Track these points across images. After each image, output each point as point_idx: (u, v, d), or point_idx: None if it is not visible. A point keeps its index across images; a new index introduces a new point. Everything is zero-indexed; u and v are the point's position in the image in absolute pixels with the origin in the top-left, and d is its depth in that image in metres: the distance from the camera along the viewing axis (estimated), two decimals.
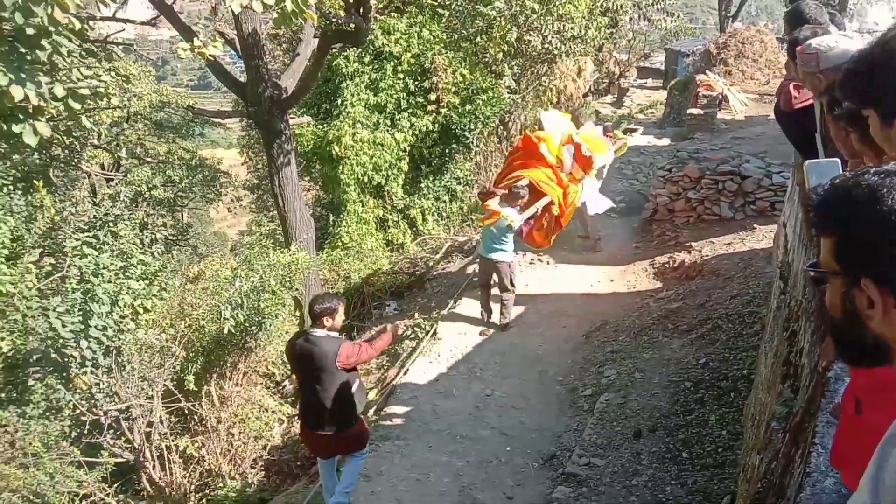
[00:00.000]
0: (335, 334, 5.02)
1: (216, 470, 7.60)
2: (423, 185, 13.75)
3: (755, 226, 9.04)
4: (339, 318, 5.02)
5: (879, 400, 1.73)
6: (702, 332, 6.84)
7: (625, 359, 7.04)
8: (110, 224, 7.27)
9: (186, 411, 7.81)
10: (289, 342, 5.36)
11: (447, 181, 13.96)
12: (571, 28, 12.61)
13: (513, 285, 8.07)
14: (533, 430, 6.54)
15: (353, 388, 5.04)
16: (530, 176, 8.27)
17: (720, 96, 15.78)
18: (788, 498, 2.44)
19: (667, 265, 9.10)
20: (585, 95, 23.48)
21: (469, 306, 9.03)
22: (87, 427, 6.68)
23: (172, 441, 7.47)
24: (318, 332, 4.94)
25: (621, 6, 14.23)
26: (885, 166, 1.10)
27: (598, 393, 6.66)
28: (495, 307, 8.34)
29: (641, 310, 8.14)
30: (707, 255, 8.75)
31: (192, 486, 7.51)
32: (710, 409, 5.66)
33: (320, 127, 12.65)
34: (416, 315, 9.47)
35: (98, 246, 6.73)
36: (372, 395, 7.67)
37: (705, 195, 9.67)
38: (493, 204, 7.82)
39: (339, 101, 12.75)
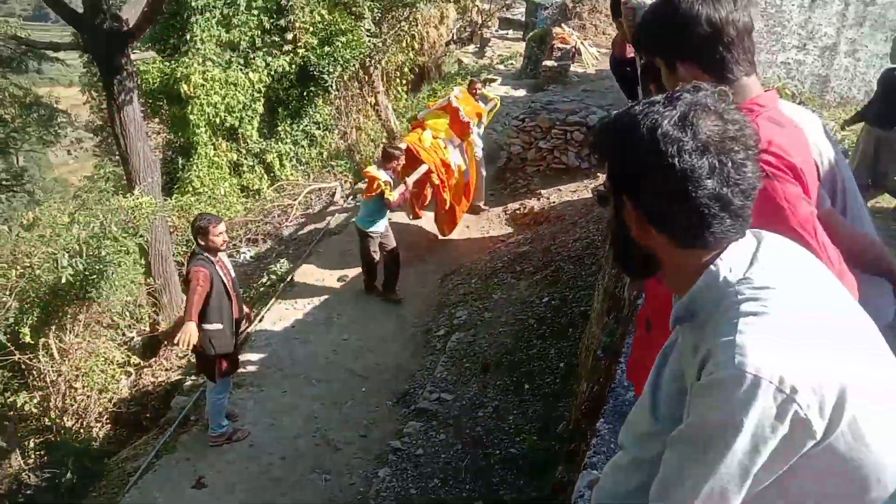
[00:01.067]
0: (207, 255, 5.18)
1: (59, 426, 7.24)
2: (280, 128, 13.34)
3: (599, 174, 9.59)
4: (214, 237, 5.18)
5: (666, 318, 1.97)
6: (546, 273, 7.26)
7: (476, 300, 7.36)
8: None
9: (23, 366, 7.33)
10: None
11: (306, 125, 13.63)
12: None
13: (391, 253, 7.67)
14: (388, 370, 6.73)
15: (204, 323, 5.19)
16: (408, 140, 8.17)
17: (573, 50, 16.33)
18: (601, 413, 2.72)
19: (518, 211, 9.51)
20: (448, 43, 23.52)
21: (327, 253, 9.02)
22: None
23: (8, 397, 7.01)
24: (197, 249, 5.24)
25: None
26: (651, 98, 1.24)
27: (450, 333, 6.94)
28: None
29: (493, 254, 8.50)
30: (554, 202, 9.23)
31: (32, 444, 7.12)
32: (550, 344, 6.07)
33: (167, 64, 11.88)
34: (276, 262, 9.33)
35: None
36: None
37: (555, 145, 10.11)
38: (371, 169, 7.50)
39: (188, 37, 11.99)
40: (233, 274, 5.53)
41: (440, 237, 9.02)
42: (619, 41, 4.31)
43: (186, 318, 5.07)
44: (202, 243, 5.17)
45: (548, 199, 9.38)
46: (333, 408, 6.19)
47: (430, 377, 6.33)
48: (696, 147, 1.16)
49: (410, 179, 7.65)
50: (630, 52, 4.33)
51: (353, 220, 8.19)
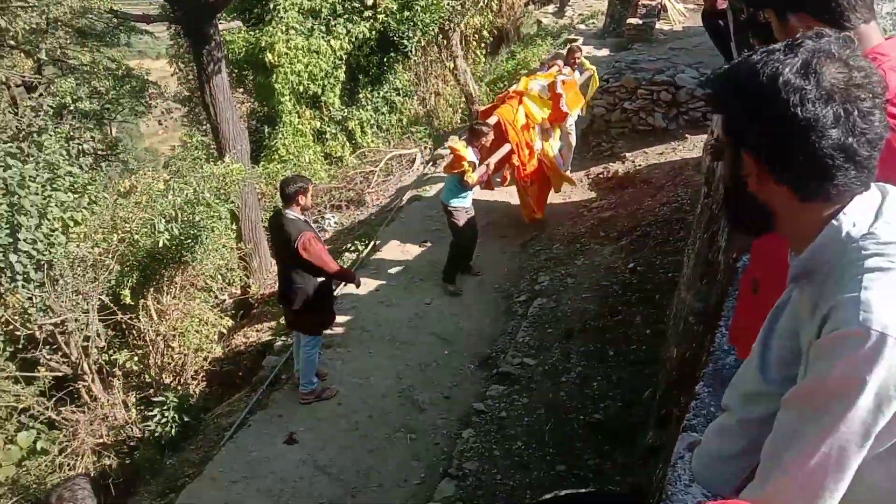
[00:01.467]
0: (302, 217, 5.41)
1: (158, 382, 7.67)
2: (360, 95, 13.47)
3: (687, 135, 9.26)
4: (310, 197, 5.46)
5: (775, 279, 1.89)
6: (631, 238, 7.11)
7: (558, 266, 7.29)
8: (34, 136, 6.97)
9: (124, 325, 7.77)
10: (270, 217, 6.10)
11: (386, 92, 13.71)
12: None
13: (471, 228, 7.34)
14: (470, 334, 6.78)
15: (310, 283, 5.45)
16: (500, 114, 7.72)
17: (659, 6, 15.70)
18: (697, 378, 2.66)
19: (601, 175, 9.31)
20: (527, 4, 23.07)
21: (409, 219, 9.10)
22: (22, 342, 6.60)
23: (111, 355, 7.45)
24: (290, 212, 5.34)
25: None
26: (770, 47, 1.18)
27: (532, 298, 6.91)
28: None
29: (575, 219, 8.37)
30: (640, 165, 8.98)
31: (133, 399, 7.57)
32: (636, 311, 5.97)
33: (252, 33, 12.15)
34: (356, 227, 9.51)
35: (22, 158, 6.46)
36: None
37: (640, 106, 9.79)
38: (459, 145, 7.23)
39: (272, 6, 12.21)
40: None
41: (529, 222, 8.42)
42: None
43: (338, 272, 5.63)
44: (301, 203, 5.34)
45: (633, 162, 9.14)
46: (418, 369, 6.31)
47: (512, 342, 6.34)
48: (820, 95, 1.11)
49: (492, 160, 7.41)
50: (721, 3, 4.13)
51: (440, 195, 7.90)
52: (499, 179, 8.75)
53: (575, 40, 17.41)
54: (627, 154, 9.41)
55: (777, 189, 1.19)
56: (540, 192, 8.24)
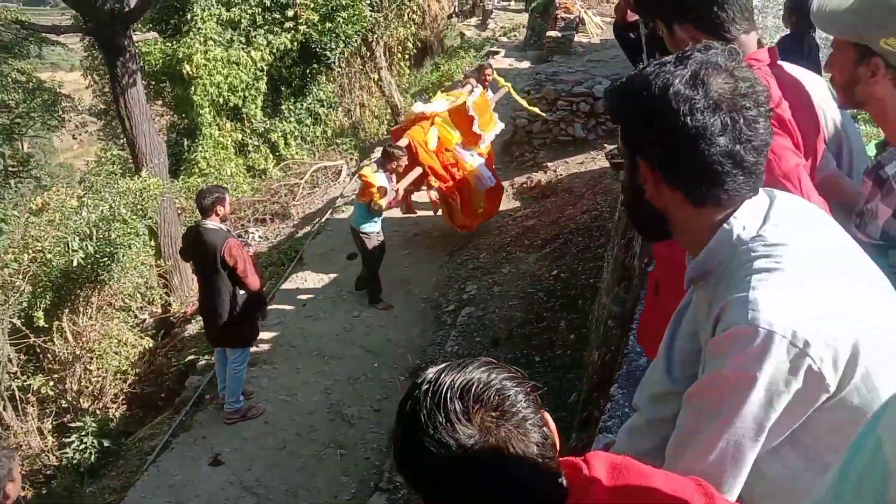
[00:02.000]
0: (224, 227, 5.34)
1: (75, 407, 7.34)
2: (283, 107, 13.29)
3: (605, 145, 9.52)
4: (228, 206, 5.38)
5: (674, 282, 1.98)
6: (554, 246, 7.27)
7: (485, 274, 7.38)
8: None
9: (38, 349, 7.43)
10: (185, 232, 5.89)
11: (309, 103, 13.57)
12: None
13: (371, 261, 7.20)
14: (399, 346, 6.78)
15: (237, 293, 5.37)
16: (411, 136, 7.43)
17: (577, 20, 16.15)
18: (615, 378, 2.74)
19: (525, 185, 9.49)
20: (450, 17, 23.31)
21: (335, 231, 9.03)
22: None
23: (24, 380, 7.10)
24: (209, 223, 5.22)
25: None
26: (662, 59, 1.25)
27: (460, 307, 6.97)
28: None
29: (501, 228, 8.49)
30: (561, 175, 9.20)
31: (49, 426, 7.23)
32: (560, 317, 6.10)
33: (168, 44, 11.83)
34: (281, 241, 9.37)
35: None
36: None
37: (561, 117, 10.03)
38: (368, 172, 7.04)
39: (189, 17, 11.91)
40: None
41: (459, 231, 8.22)
42: (622, 5, 4.27)
43: (255, 292, 5.47)
44: (220, 213, 5.24)
45: (554, 171, 9.35)
46: (346, 383, 6.26)
47: (441, 352, 6.37)
48: (708, 104, 1.17)
49: (401, 185, 7.27)
50: (632, 16, 4.29)
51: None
52: (430, 212, 8.67)
53: (496, 53, 17.71)
54: (549, 164, 9.62)
55: (671, 195, 1.25)
56: (466, 202, 7.97)
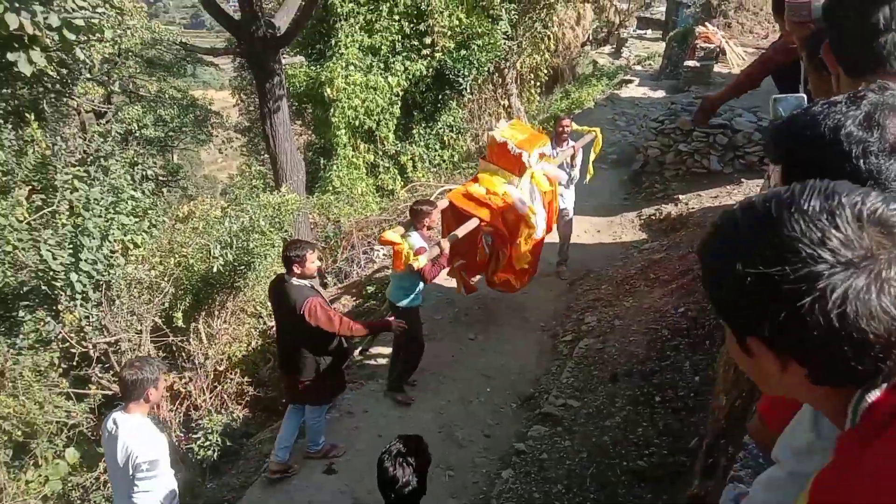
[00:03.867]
0: (307, 282, 5.03)
1: (202, 405, 7.78)
2: (414, 131, 13.68)
3: (742, 180, 9.10)
4: (311, 265, 4.98)
5: None
6: (682, 282, 6.96)
7: (605, 307, 7.18)
8: (101, 160, 7.27)
9: (174, 347, 7.94)
10: (270, 283, 5.56)
11: (439, 128, 13.90)
12: None
13: (416, 341, 6.15)
14: (513, 372, 6.71)
15: (325, 344, 5.14)
16: (451, 196, 6.64)
17: (718, 49, 15.63)
18: (746, 428, 2.56)
19: (653, 217, 9.20)
20: (583, 45, 23.21)
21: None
22: (76, 359, 6.79)
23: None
24: (292, 279, 4.98)
25: None
26: (832, 98, 1.17)
27: (577, 339, 6.81)
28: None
29: (625, 260, 8.26)
30: (693, 208, 8.84)
31: (178, 420, 7.69)
32: (684, 356, 5.82)
33: (313, 68, 12.52)
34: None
35: (89, 181, 6.74)
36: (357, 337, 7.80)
37: (696, 148, 9.70)
38: (391, 235, 5.92)
39: (333, 42, 12.58)
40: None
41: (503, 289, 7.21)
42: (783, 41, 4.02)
43: (363, 327, 5.33)
44: (298, 271, 4.93)
45: (686, 204, 9.00)
46: (459, 405, 6.26)
47: (555, 382, 6.24)
48: (883, 147, 1.09)
49: (445, 241, 6.00)
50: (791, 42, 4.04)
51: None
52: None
53: (629, 81, 17.41)
54: (681, 196, 9.29)
55: None
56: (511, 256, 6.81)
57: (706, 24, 17.45)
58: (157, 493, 3.70)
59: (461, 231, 6.20)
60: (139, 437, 3.63)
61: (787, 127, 1.22)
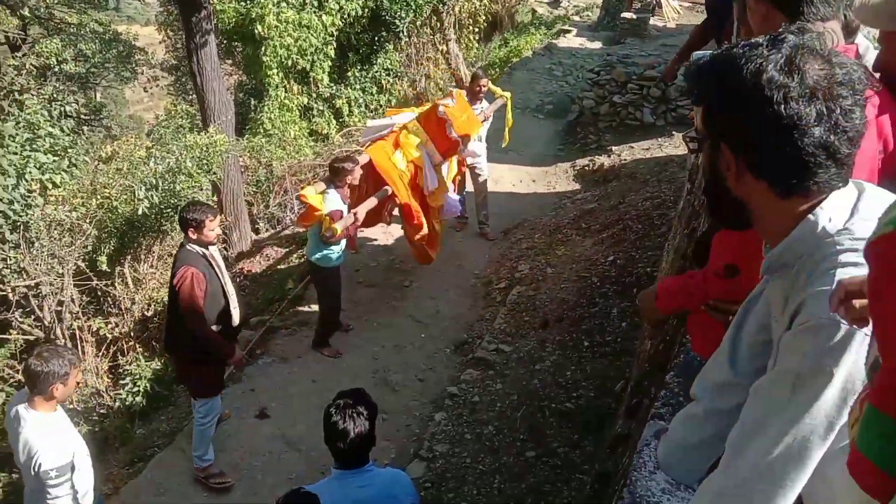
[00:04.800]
0: (200, 250, 4.47)
1: (129, 351, 7.60)
2: (350, 74, 13.35)
3: (674, 132, 9.30)
4: (209, 231, 4.45)
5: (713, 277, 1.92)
6: (613, 231, 7.14)
7: (538, 255, 7.31)
8: (15, 94, 6.86)
9: (99, 292, 7.70)
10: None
11: (375, 71, 13.60)
12: None
13: (335, 298, 6.02)
14: (447, 318, 6.79)
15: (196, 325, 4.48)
16: (373, 155, 6.26)
17: (654, 2, 15.73)
18: (668, 370, 2.68)
19: (587, 168, 9.34)
20: None
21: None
22: None
23: (85, 321, 7.38)
24: (188, 243, 4.49)
25: None
26: (753, 39, 1.18)
27: (511, 286, 6.93)
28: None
29: (558, 210, 8.39)
30: (626, 160, 9.01)
31: (105, 366, 7.51)
32: (613, 303, 6.01)
33: (243, 4, 11.96)
34: None
35: (2, 117, 6.35)
36: (290, 283, 7.73)
37: (630, 100, 9.83)
38: (310, 192, 5.64)
39: None
40: (224, 271, 4.74)
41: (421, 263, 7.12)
42: None
43: (207, 339, 4.52)
44: (193, 237, 4.42)
45: (619, 156, 9.17)
46: (393, 351, 6.32)
47: (488, 328, 6.36)
48: (804, 93, 1.11)
49: (362, 209, 5.82)
50: None
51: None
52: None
53: (567, 31, 17.40)
54: (614, 147, 9.44)
55: (755, 184, 1.19)
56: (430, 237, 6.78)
57: None
58: (69, 496, 3.37)
59: (370, 203, 6.01)
60: (43, 441, 3.28)
61: (708, 69, 1.23)
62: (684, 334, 2.45)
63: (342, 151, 11.85)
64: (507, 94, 7.53)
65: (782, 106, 1.09)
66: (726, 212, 1.31)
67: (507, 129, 7.76)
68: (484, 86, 7.18)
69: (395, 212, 6.82)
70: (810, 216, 1.17)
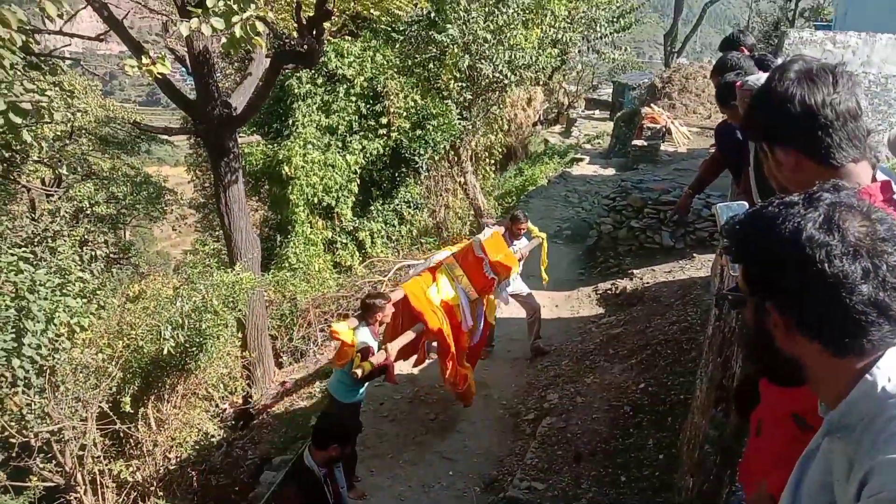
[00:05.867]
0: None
1: (152, 494, 7.39)
2: (372, 207, 13.76)
3: (694, 255, 9.32)
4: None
5: (777, 421, 1.83)
6: (641, 357, 7.00)
7: (567, 383, 7.14)
8: (49, 240, 7.10)
9: (122, 434, 7.58)
10: None
11: (397, 205, 14.02)
12: (522, 57, 12.87)
13: (345, 446, 4.65)
14: (476, 453, 6.56)
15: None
16: (408, 289, 6.26)
17: (664, 129, 16.29)
18: None
19: (609, 291, 9.30)
20: (535, 124, 23.97)
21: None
22: (16, 450, 6.41)
23: (106, 465, 7.23)
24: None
25: (570, 39, 14.61)
26: (787, 197, 1.18)
27: (540, 417, 6.73)
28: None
29: (584, 335, 8.29)
30: (648, 283, 8.98)
31: None
32: (648, 434, 5.78)
33: (270, 147, 12.57)
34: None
35: (35, 262, 6.53)
36: (314, 419, 7.58)
37: (647, 224, 9.94)
38: (342, 328, 5.62)
39: (291, 122, 12.71)
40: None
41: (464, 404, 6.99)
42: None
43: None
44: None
45: (640, 279, 9.15)
46: (420, 491, 6.07)
47: (519, 463, 6.11)
48: (847, 250, 1.09)
49: (395, 345, 5.78)
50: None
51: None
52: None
53: (580, 160, 17.92)
54: (635, 271, 9.45)
55: (806, 345, 1.16)
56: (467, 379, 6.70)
57: (651, 105, 18.25)
58: None
59: (404, 338, 5.96)
60: None
61: (745, 228, 1.23)
62: (731, 475, 2.32)
63: (365, 282, 11.99)
64: (543, 235, 7.74)
65: (826, 264, 1.08)
66: (779, 371, 1.26)
67: (542, 269, 7.86)
68: (524, 228, 7.38)
69: (432, 353, 6.84)
70: (868, 376, 1.12)
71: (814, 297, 1.10)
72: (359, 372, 5.32)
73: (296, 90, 12.64)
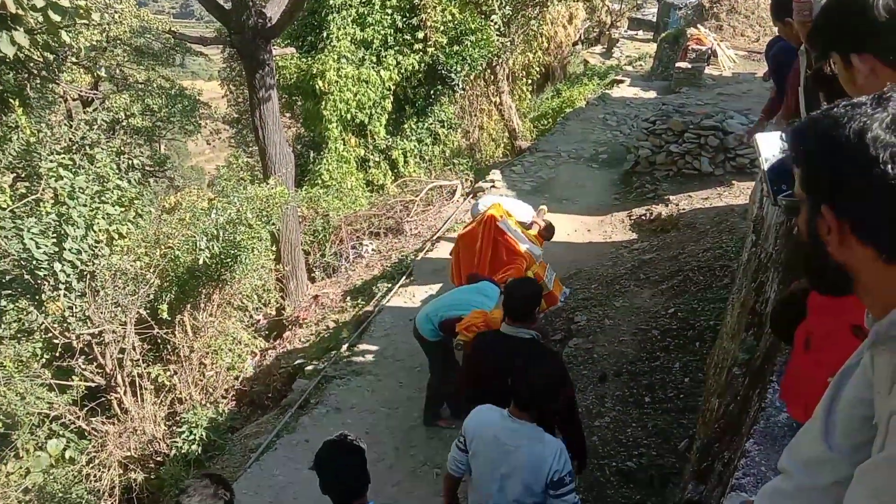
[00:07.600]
0: None
1: (187, 398, 7.69)
2: (405, 126, 13.60)
3: (734, 182, 9.11)
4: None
5: (829, 336, 1.79)
6: (672, 283, 6.96)
7: (595, 306, 7.15)
8: (87, 148, 7.15)
9: (159, 340, 7.83)
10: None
11: (430, 123, 13.83)
12: None
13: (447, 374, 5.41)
14: None
15: None
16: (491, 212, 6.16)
17: (709, 51, 15.67)
18: (743, 434, 2.53)
19: (643, 217, 9.19)
20: (575, 44, 23.21)
21: (445, 248, 9.07)
22: (59, 350, 6.69)
23: (144, 368, 7.51)
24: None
25: None
26: (855, 99, 1.11)
27: (567, 338, 6.78)
28: None
29: (615, 259, 8.24)
30: (684, 209, 8.84)
31: (163, 414, 7.60)
32: (674, 357, 5.80)
33: (304, 60, 12.38)
34: (393, 255, 9.50)
35: (74, 169, 6.61)
36: (345, 333, 7.76)
37: (687, 149, 9.70)
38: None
39: (325, 35, 12.44)
40: None
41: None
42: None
43: None
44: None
45: (676, 205, 9.00)
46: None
47: None
48: None
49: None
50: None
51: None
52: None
53: (620, 81, 17.39)
54: (671, 197, 9.29)
55: (860, 250, 1.11)
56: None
57: (698, 26, 17.50)
58: None
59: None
60: None
61: (808, 128, 1.17)
62: (763, 396, 2.32)
63: (397, 202, 12.00)
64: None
65: (889, 165, 1.02)
66: (827, 279, 1.22)
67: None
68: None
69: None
70: None
71: (873, 200, 1.05)
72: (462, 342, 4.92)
73: (331, 1, 12.32)
